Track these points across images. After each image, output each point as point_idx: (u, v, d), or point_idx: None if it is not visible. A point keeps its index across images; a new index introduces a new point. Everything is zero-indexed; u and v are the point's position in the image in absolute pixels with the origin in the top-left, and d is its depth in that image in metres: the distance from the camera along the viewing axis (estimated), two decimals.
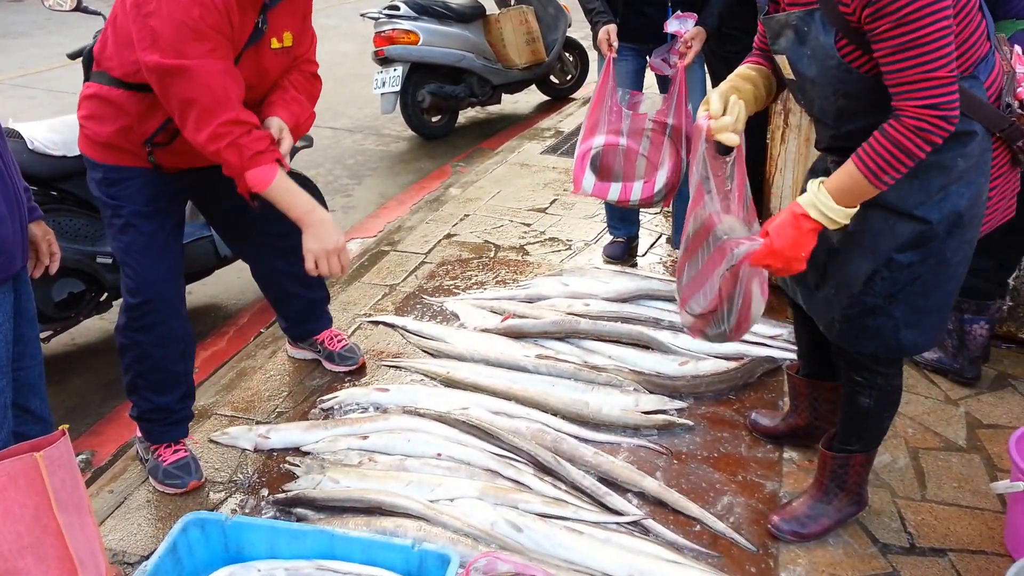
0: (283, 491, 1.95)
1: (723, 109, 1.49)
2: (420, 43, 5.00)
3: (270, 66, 1.86)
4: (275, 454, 2.12)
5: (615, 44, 2.68)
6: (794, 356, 2.22)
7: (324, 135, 5.31)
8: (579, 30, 6.22)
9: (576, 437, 2.12)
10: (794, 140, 2.75)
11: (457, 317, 2.78)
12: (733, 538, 1.80)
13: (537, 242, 3.43)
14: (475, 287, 3.03)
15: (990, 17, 1.43)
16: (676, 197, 2.78)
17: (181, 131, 1.72)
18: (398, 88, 4.95)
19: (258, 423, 2.26)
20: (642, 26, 2.74)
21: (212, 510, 1.91)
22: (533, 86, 5.91)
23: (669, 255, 3.29)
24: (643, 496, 1.93)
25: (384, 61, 5.04)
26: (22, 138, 2.49)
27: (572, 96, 6.13)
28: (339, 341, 2.51)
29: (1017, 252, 2.33)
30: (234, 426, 2.23)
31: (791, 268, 1.47)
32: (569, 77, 6.18)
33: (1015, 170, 1.56)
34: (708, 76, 2.93)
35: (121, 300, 2.01)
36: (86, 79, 1.88)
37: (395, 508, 1.81)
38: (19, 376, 1.58)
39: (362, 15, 5.31)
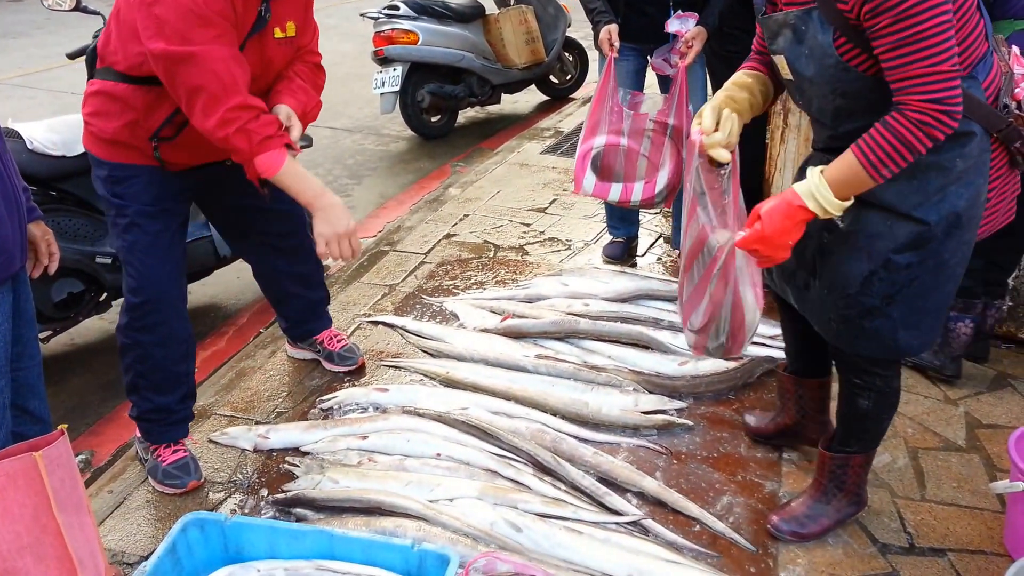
0: (282, 491, 1.95)
1: (716, 124, 1.50)
2: (420, 43, 5.00)
3: (274, 56, 1.86)
4: (274, 454, 2.12)
5: (616, 44, 2.67)
6: None
7: (323, 135, 5.31)
8: (579, 30, 6.22)
9: (576, 437, 2.12)
10: (794, 140, 2.75)
11: (456, 317, 2.78)
12: (732, 538, 1.80)
13: (537, 242, 3.43)
14: (475, 287, 3.03)
15: (988, 17, 1.43)
16: (677, 198, 2.78)
17: (189, 119, 1.71)
18: (398, 88, 4.95)
19: (257, 423, 2.26)
20: (643, 26, 2.74)
21: (211, 510, 1.91)
22: (533, 86, 5.91)
23: (668, 255, 3.29)
24: (643, 496, 1.93)
25: (384, 61, 5.04)
26: (21, 138, 2.49)
27: (572, 96, 6.13)
28: (339, 341, 2.51)
29: (1015, 253, 2.33)
30: (233, 426, 2.23)
31: (776, 256, 1.45)
32: (569, 77, 6.18)
33: (1013, 172, 1.55)
34: (708, 76, 2.92)
35: (122, 300, 2.01)
36: (90, 77, 1.87)
37: (394, 508, 1.81)
38: (18, 376, 1.58)
39: (362, 15, 5.31)
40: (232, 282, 3.35)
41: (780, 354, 2.45)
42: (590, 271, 3.05)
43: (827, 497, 1.80)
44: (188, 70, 1.63)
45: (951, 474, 2.01)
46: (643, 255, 3.30)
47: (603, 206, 3.41)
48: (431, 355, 2.57)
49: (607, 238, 3.30)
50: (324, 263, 2.74)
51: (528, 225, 3.60)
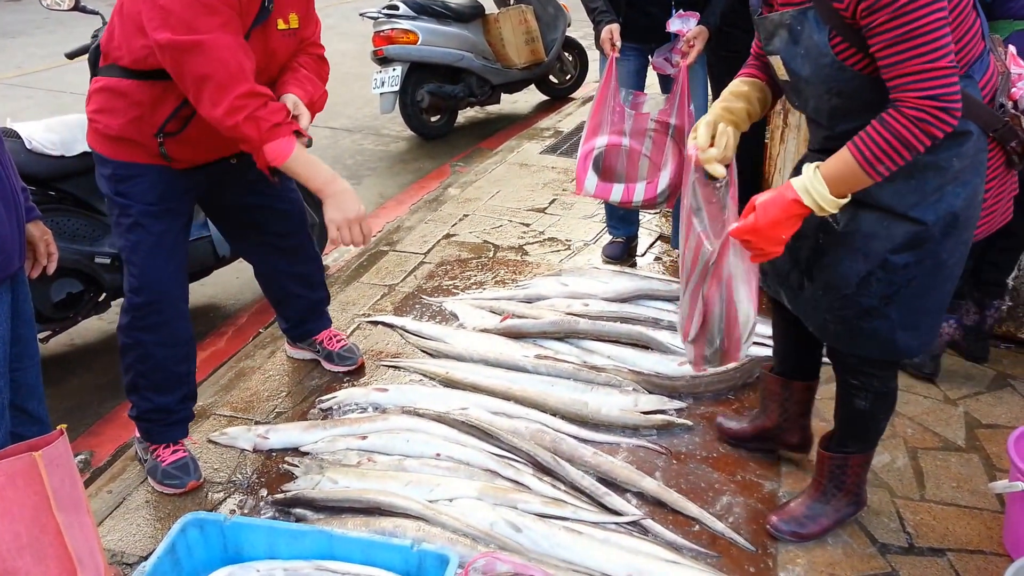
0: (282, 491, 1.95)
1: (711, 139, 1.49)
2: (419, 43, 5.00)
3: (278, 47, 1.86)
4: (274, 454, 2.12)
5: (618, 44, 2.67)
6: None
7: (323, 135, 5.31)
8: (578, 29, 6.22)
9: (575, 437, 2.12)
10: (793, 140, 2.75)
11: (456, 317, 2.78)
12: (732, 538, 1.80)
13: (536, 242, 3.43)
14: (474, 287, 3.03)
15: (984, 17, 1.43)
16: (678, 198, 2.78)
17: (197, 108, 1.71)
18: (397, 88, 4.95)
19: (257, 423, 2.26)
20: (645, 26, 2.74)
21: (211, 510, 1.91)
22: (532, 86, 5.91)
23: (668, 255, 3.29)
24: (642, 496, 1.93)
25: (383, 61, 5.04)
26: (20, 138, 2.48)
27: (571, 96, 6.13)
28: (338, 341, 2.51)
29: (1013, 253, 2.33)
30: (233, 426, 2.22)
31: (767, 250, 1.44)
32: (568, 77, 6.18)
33: (1011, 172, 1.55)
34: (708, 76, 2.92)
35: (121, 300, 2.01)
36: (94, 75, 1.87)
37: (394, 508, 1.81)
38: (17, 376, 1.58)
39: (361, 14, 5.31)
40: (231, 282, 3.34)
41: None
42: (590, 271, 3.05)
43: (826, 497, 1.80)
44: (195, 59, 1.63)
45: (950, 474, 2.01)
46: (643, 255, 3.30)
47: (603, 206, 3.41)
48: (431, 355, 2.57)
49: (607, 238, 3.30)
50: (325, 264, 2.74)
51: (528, 225, 3.60)
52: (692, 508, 1.88)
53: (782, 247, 1.44)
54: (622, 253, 3.20)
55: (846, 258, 1.52)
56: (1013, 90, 1.48)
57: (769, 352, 2.44)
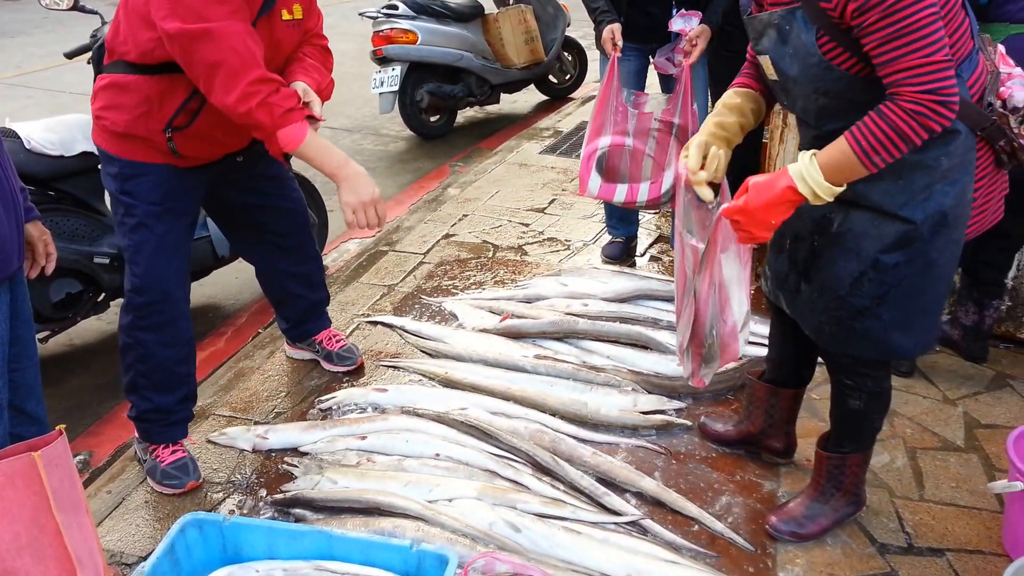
0: (281, 491, 1.95)
1: (702, 161, 1.49)
2: (419, 42, 5.00)
3: (283, 38, 1.86)
4: (273, 454, 2.12)
5: (619, 43, 2.67)
6: None
7: (322, 135, 5.26)
8: (578, 29, 6.22)
9: (574, 437, 2.12)
10: (792, 140, 2.75)
11: (455, 317, 2.78)
12: (731, 538, 1.81)
13: (536, 242, 3.43)
14: (473, 287, 3.03)
15: (973, 16, 1.44)
16: None
17: (208, 97, 1.70)
18: (396, 88, 4.95)
19: (256, 423, 2.26)
20: (646, 25, 2.74)
21: (210, 511, 1.91)
22: (532, 86, 5.91)
23: (667, 255, 3.29)
24: (641, 496, 1.93)
25: (382, 60, 5.03)
26: (19, 138, 2.48)
27: (571, 96, 6.13)
28: (337, 341, 2.51)
29: (1008, 253, 2.34)
30: (232, 426, 2.22)
31: (755, 233, 1.43)
32: (568, 77, 6.18)
33: (1000, 172, 1.56)
34: (709, 75, 2.92)
35: (121, 300, 2.01)
36: (98, 72, 1.87)
37: (393, 508, 1.81)
38: (15, 377, 1.58)
39: (360, 14, 5.31)
40: (231, 282, 3.34)
41: None
42: (589, 271, 3.05)
43: (825, 497, 1.80)
44: (205, 47, 1.63)
45: (949, 474, 2.01)
46: (642, 255, 3.30)
47: (602, 206, 3.41)
48: (430, 355, 2.57)
49: (606, 238, 3.30)
50: (324, 264, 2.74)
51: (527, 225, 3.60)
52: (691, 508, 1.88)
53: (770, 233, 1.44)
54: (621, 253, 3.20)
55: (839, 259, 1.53)
56: (1002, 89, 1.49)
57: (767, 352, 2.46)
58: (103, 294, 2.73)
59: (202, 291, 3.25)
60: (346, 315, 2.83)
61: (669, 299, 2.77)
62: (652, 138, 2.68)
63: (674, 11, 2.67)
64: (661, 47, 2.80)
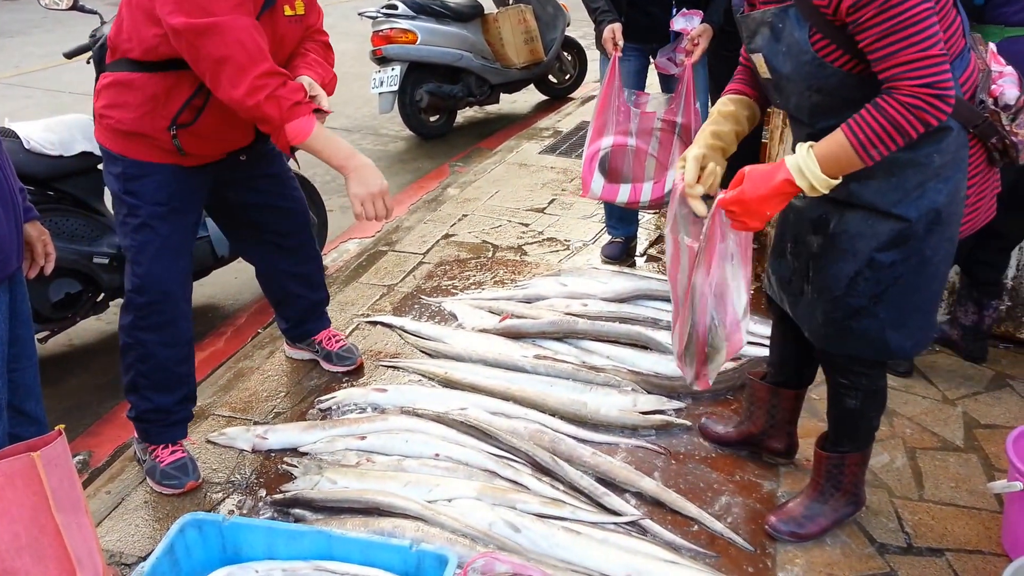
0: (281, 492, 1.95)
1: (698, 175, 1.50)
2: (418, 42, 5.00)
3: (285, 33, 1.87)
4: (273, 455, 2.11)
5: (620, 43, 2.67)
6: None
7: None
8: (577, 29, 6.22)
9: (574, 437, 2.12)
10: (792, 139, 2.75)
11: (455, 317, 2.78)
12: (731, 538, 1.81)
13: (535, 242, 3.43)
14: (473, 287, 3.03)
15: (964, 15, 1.45)
16: None
17: (215, 92, 1.70)
18: (396, 87, 4.95)
19: (256, 423, 2.26)
20: (646, 25, 2.74)
21: (210, 511, 1.91)
22: (531, 86, 5.91)
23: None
24: (641, 496, 1.93)
25: (382, 60, 5.03)
26: (18, 138, 2.48)
27: (571, 96, 6.13)
28: (337, 341, 2.51)
29: (1004, 252, 2.34)
30: (232, 426, 2.22)
31: (750, 224, 1.45)
32: (568, 76, 6.18)
33: (992, 170, 1.57)
34: (709, 74, 2.92)
35: (121, 300, 2.01)
36: (100, 71, 1.86)
37: (393, 508, 1.81)
38: (14, 377, 1.58)
39: (360, 14, 5.31)
40: (230, 282, 3.34)
41: None
42: (589, 271, 3.05)
43: (824, 497, 1.80)
44: (212, 41, 1.63)
45: (949, 474, 2.01)
46: (642, 255, 3.30)
47: (602, 206, 3.41)
48: (429, 355, 2.57)
49: (606, 238, 3.30)
50: (324, 263, 2.74)
51: (527, 225, 3.60)
52: (691, 508, 1.88)
53: (764, 223, 1.45)
54: (621, 253, 3.20)
55: (837, 259, 1.54)
56: (993, 87, 1.50)
57: (766, 352, 2.46)
58: (102, 294, 2.73)
59: (202, 291, 3.25)
60: (346, 315, 2.83)
61: (668, 299, 2.77)
62: (655, 138, 2.68)
63: (674, 11, 2.67)
64: (661, 47, 2.80)
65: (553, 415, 2.22)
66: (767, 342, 2.50)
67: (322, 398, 2.34)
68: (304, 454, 2.11)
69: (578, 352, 2.54)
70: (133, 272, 1.91)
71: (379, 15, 5.09)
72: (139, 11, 1.72)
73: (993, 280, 2.37)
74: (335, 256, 3.59)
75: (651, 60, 2.91)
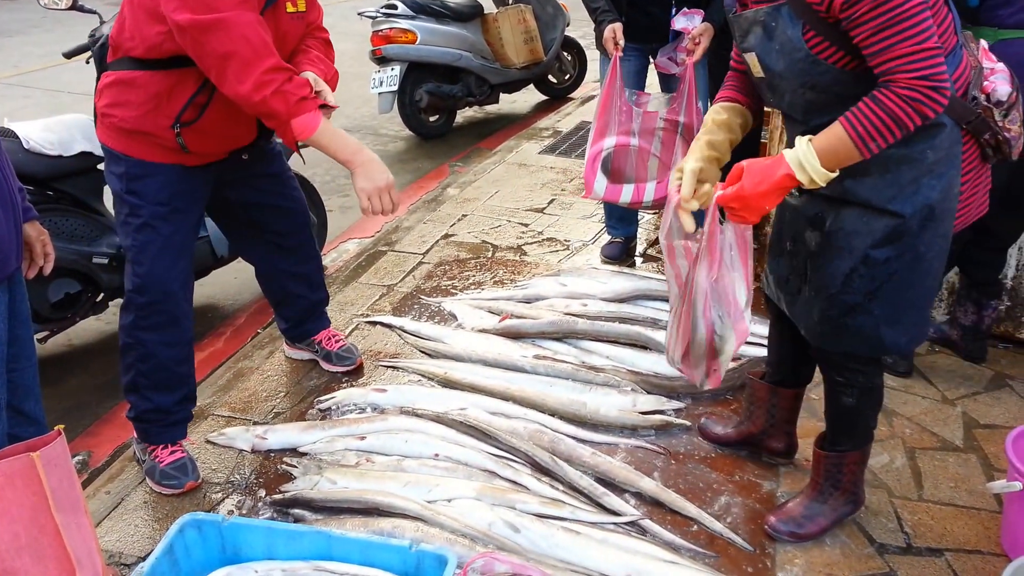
0: (280, 492, 1.95)
1: (694, 189, 1.51)
2: (418, 42, 5.00)
3: (288, 30, 1.87)
4: (272, 455, 2.11)
5: (621, 42, 2.66)
6: None
7: None
8: (577, 29, 6.22)
9: (574, 437, 2.12)
10: None
11: (455, 317, 2.78)
12: (730, 538, 1.81)
13: (535, 242, 3.43)
14: (473, 287, 3.03)
15: (956, 12, 1.46)
16: None
17: (221, 88, 1.70)
18: (395, 87, 4.95)
19: (255, 424, 2.26)
20: (646, 25, 2.74)
21: (209, 511, 1.91)
22: (531, 85, 5.91)
23: None
24: (640, 496, 1.93)
25: (381, 60, 5.03)
26: (18, 137, 2.48)
27: (570, 96, 6.13)
28: (337, 341, 2.51)
29: (999, 252, 2.34)
30: (231, 427, 2.22)
31: (747, 217, 1.45)
32: (567, 76, 6.18)
33: (985, 166, 1.58)
34: (708, 73, 2.92)
35: (121, 300, 2.01)
36: (102, 70, 1.86)
37: (392, 509, 1.81)
38: (13, 377, 1.58)
39: (359, 14, 5.31)
40: (230, 282, 3.34)
41: None
42: (588, 271, 3.05)
43: (824, 496, 1.80)
44: (217, 37, 1.63)
45: (948, 474, 2.01)
46: (641, 255, 3.30)
47: (601, 206, 3.41)
48: (429, 355, 2.57)
49: (605, 238, 3.30)
50: (323, 264, 2.74)
51: (526, 225, 3.60)
52: (690, 508, 1.88)
53: (759, 218, 1.46)
54: (621, 253, 3.20)
55: (833, 257, 1.55)
56: (985, 84, 1.51)
57: (765, 352, 2.46)
58: (102, 294, 2.72)
59: (201, 291, 3.25)
60: (345, 315, 2.83)
61: (667, 300, 2.77)
62: (657, 138, 2.68)
63: (674, 10, 2.67)
64: (661, 47, 2.80)
65: (553, 415, 2.22)
66: (764, 342, 2.51)
67: (322, 398, 2.34)
68: (304, 454, 2.11)
69: (578, 352, 2.54)
70: (134, 272, 1.91)
71: (378, 15, 5.09)
72: (142, 9, 1.72)
73: (991, 280, 2.38)
74: (335, 256, 3.59)
75: (651, 60, 2.91)
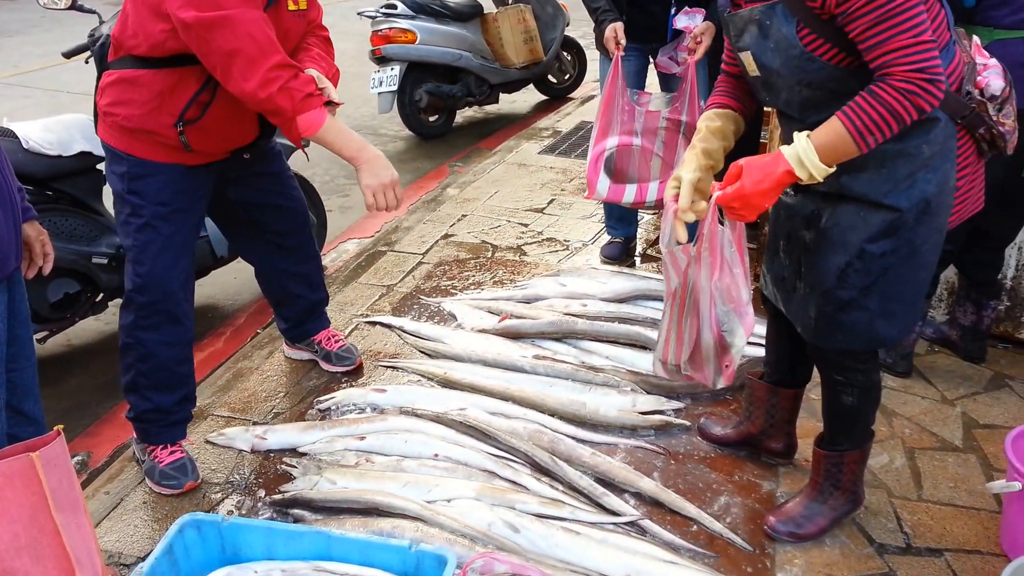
0: (280, 492, 1.95)
1: (691, 201, 1.52)
2: (417, 42, 5.00)
3: (289, 27, 1.87)
4: (272, 455, 2.11)
5: (623, 42, 2.66)
6: None
7: None
8: (577, 29, 6.22)
9: (573, 438, 2.12)
10: None
11: (454, 317, 2.77)
12: (730, 538, 1.81)
13: (535, 242, 3.43)
14: (472, 287, 3.03)
15: (948, 9, 1.47)
16: None
17: (226, 85, 1.70)
18: (395, 87, 4.95)
19: (255, 424, 2.26)
20: (647, 25, 2.74)
21: (209, 511, 1.91)
22: (531, 85, 5.91)
23: None
24: (640, 496, 1.93)
25: (381, 60, 5.03)
26: (17, 137, 2.48)
27: (570, 96, 6.13)
28: (336, 341, 2.51)
29: (996, 252, 2.34)
30: (231, 427, 2.22)
31: (748, 216, 1.46)
32: (567, 76, 6.18)
33: (981, 161, 1.59)
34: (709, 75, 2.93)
35: (120, 300, 2.00)
36: (103, 69, 1.85)
37: (392, 509, 1.81)
38: (12, 377, 1.58)
39: (359, 13, 5.31)
40: (229, 283, 3.34)
41: None
42: (588, 271, 3.05)
43: (824, 496, 1.80)
44: (223, 34, 1.63)
45: (948, 474, 2.02)
46: (641, 255, 3.30)
47: (601, 206, 3.41)
48: (429, 355, 2.57)
49: (605, 238, 3.31)
50: (323, 264, 2.74)
51: (526, 225, 3.60)
52: (690, 508, 1.88)
53: (755, 216, 1.46)
54: (620, 253, 3.20)
55: (829, 253, 1.55)
56: (979, 79, 1.52)
57: (763, 352, 2.47)
58: (101, 294, 2.72)
59: (201, 291, 3.24)
60: (345, 315, 2.83)
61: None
62: (660, 137, 2.67)
63: (673, 9, 2.67)
64: (661, 47, 2.80)
65: (552, 415, 2.22)
66: (763, 341, 2.51)
67: (321, 398, 2.34)
68: (303, 454, 2.10)
69: (577, 352, 2.54)
70: (135, 272, 1.91)
71: (378, 15, 5.09)
72: (145, 7, 1.72)
73: (989, 280, 2.38)
74: (334, 256, 3.59)
75: (651, 60, 2.90)
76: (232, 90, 1.70)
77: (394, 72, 4.95)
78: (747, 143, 2.86)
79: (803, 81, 1.44)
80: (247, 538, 1.56)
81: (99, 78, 1.86)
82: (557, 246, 3.39)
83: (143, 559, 1.69)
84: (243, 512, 1.92)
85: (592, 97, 5.76)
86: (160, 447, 2.02)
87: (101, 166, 2.62)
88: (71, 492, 1.33)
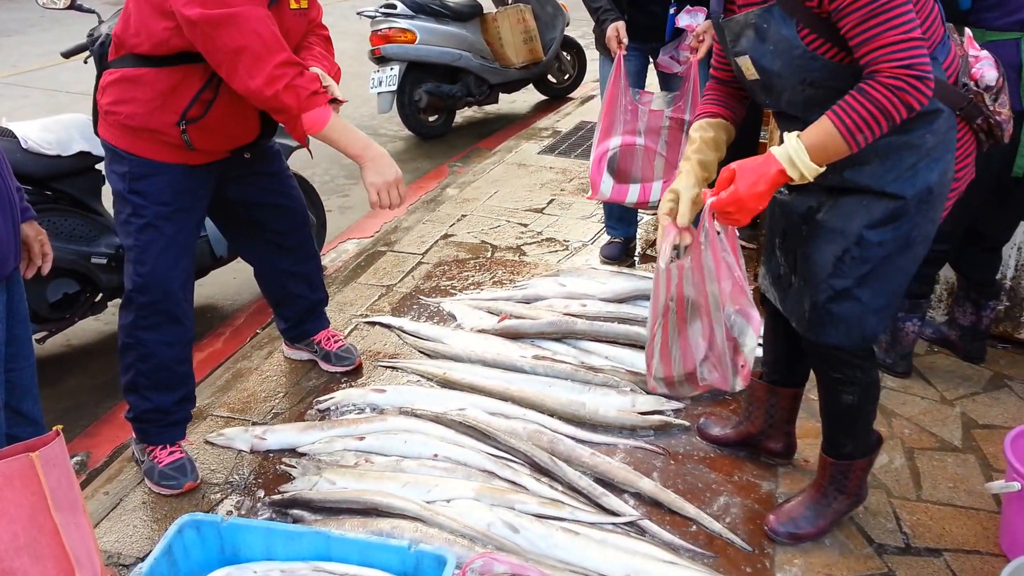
0: (279, 492, 1.95)
1: (690, 216, 1.54)
2: (417, 42, 5.00)
3: (291, 26, 1.87)
4: (271, 455, 2.11)
5: (624, 41, 2.66)
6: None
7: None
8: (577, 29, 6.22)
9: (573, 438, 2.12)
10: None
11: (454, 318, 2.77)
12: (729, 538, 1.81)
13: (534, 242, 3.43)
14: (472, 287, 3.03)
15: (941, 4, 1.48)
16: None
17: (231, 83, 1.70)
18: (395, 87, 4.95)
19: (254, 424, 2.26)
20: (647, 25, 2.74)
21: (208, 511, 1.91)
22: (530, 85, 5.91)
23: None
24: (639, 496, 1.93)
25: (381, 60, 5.03)
26: (16, 137, 2.48)
27: (570, 96, 6.13)
28: (336, 341, 2.51)
29: (993, 252, 2.34)
30: (230, 427, 2.22)
31: (742, 220, 1.46)
32: (567, 76, 6.18)
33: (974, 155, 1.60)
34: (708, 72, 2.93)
35: (120, 300, 2.00)
36: (103, 68, 1.85)
37: (391, 509, 1.81)
38: (11, 377, 1.58)
39: (359, 13, 5.31)
40: (229, 283, 3.34)
41: None
42: (587, 271, 3.05)
43: (827, 500, 1.80)
44: (229, 32, 1.63)
45: (947, 474, 2.02)
46: (641, 255, 3.31)
47: (601, 206, 3.41)
48: (428, 356, 2.57)
49: (605, 238, 3.31)
50: (322, 264, 2.74)
51: (526, 225, 3.60)
52: (689, 508, 1.88)
53: (749, 219, 1.47)
54: (620, 253, 3.21)
55: (825, 243, 1.55)
56: (973, 70, 1.54)
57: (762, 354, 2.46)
58: (100, 294, 2.72)
59: (200, 291, 3.23)
60: (344, 315, 2.83)
61: None
62: (662, 136, 2.67)
63: (673, 8, 2.67)
64: (661, 46, 2.80)
65: (552, 415, 2.22)
66: (762, 342, 2.51)
67: (321, 398, 2.34)
68: (303, 455, 2.10)
69: (577, 352, 2.54)
70: (136, 271, 1.90)
71: (378, 14, 5.08)
72: (148, 5, 1.72)
73: (987, 281, 2.38)
74: (334, 256, 3.59)
75: (651, 60, 2.90)
76: (237, 88, 1.70)
77: (393, 72, 4.95)
78: (747, 143, 2.86)
79: (806, 80, 1.45)
80: (246, 538, 1.56)
81: (99, 77, 1.86)
82: (557, 246, 3.39)
83: (142, 559, 1.69)
84: (242, 512, 1.92)
85: (592, 97, 5.77)
86: (159, 447, 2.02)
87: (100, 166, 2.62)
88: (70, 492, 1.33)
